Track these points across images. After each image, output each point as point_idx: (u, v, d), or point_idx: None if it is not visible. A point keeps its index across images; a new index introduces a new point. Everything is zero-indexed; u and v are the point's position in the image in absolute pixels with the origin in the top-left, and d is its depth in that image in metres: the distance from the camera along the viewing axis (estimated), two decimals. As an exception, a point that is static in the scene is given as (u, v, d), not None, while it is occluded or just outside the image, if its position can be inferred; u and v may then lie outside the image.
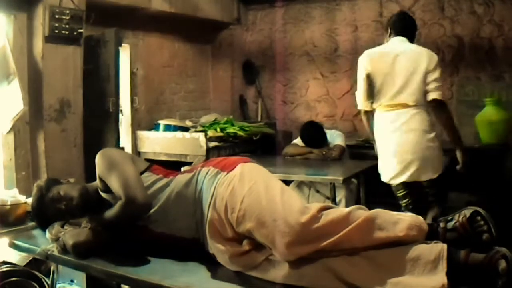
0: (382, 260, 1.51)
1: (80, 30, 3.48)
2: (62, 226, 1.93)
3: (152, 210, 1.80)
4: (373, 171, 3.29)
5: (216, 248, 1.71)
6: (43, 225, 2.03)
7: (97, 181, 1.92)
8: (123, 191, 1.75)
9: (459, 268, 1.47)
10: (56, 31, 3.33)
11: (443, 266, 1.44)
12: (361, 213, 1.58)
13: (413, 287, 1.44)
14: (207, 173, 1.80)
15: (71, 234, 1.83)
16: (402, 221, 1.57)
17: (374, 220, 1.56)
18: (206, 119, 4.90)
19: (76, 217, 1.95)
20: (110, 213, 1.81)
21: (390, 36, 3.04)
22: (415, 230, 1.55)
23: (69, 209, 1.91)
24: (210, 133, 4.36)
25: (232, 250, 1.67)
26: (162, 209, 1.81)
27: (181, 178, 1.85)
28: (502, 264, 1.43)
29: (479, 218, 1.57)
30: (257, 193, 1.65)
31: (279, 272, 1.57)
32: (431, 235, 1.58)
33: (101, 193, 1.92)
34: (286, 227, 1.55)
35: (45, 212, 1.98)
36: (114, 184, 1.79)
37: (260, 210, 1.61)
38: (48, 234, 1.94)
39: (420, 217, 1.62)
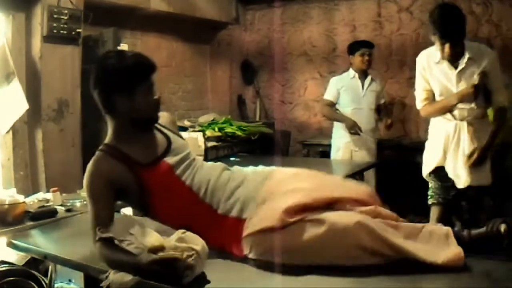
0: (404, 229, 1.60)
1: (78, 30, 3.48)
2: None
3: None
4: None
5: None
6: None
7: None
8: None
9: (466, 243, 1.58)
10: (55, 31, 3.32)
11: (453, 240, 1.56)
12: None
13: (431, 257, 1.50)
14: None
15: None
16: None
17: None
18: (204, 119, 4.90)
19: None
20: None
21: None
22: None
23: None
24: (208, 133, 4.36)
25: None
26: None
27: None
28: (503, 226, 1.57)
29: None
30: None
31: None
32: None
33: None
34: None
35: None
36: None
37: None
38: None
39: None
